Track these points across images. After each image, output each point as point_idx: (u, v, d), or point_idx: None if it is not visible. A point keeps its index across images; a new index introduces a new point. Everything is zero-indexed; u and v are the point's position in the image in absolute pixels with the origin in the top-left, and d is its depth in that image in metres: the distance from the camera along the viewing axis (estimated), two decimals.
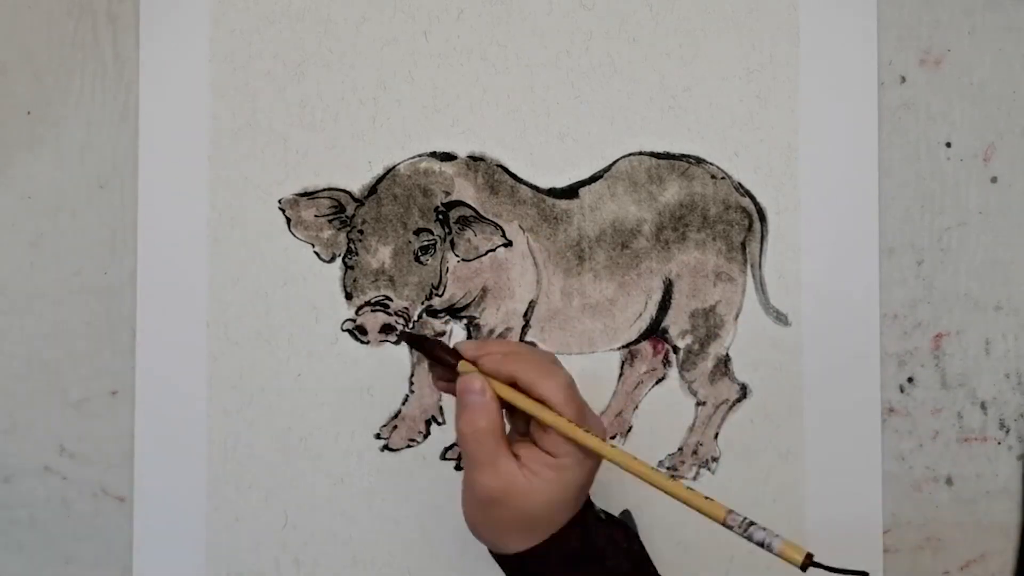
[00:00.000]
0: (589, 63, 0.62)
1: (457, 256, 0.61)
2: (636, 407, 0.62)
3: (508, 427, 0.49)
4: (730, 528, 0.45)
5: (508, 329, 0.61)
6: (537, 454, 0.47)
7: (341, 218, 0.61)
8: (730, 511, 0.45)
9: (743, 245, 0.62)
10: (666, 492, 0.46)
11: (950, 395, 0.63)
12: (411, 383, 0.61)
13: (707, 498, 0.45)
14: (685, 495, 0.45)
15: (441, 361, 0.50)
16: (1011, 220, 0.63)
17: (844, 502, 0.61)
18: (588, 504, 0.50)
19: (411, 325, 0.61)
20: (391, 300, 0.60)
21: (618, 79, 0.62)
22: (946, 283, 0.63)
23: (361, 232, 0.61)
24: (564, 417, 0.47)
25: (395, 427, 0.61)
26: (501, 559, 0.49)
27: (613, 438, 0.62)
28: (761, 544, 0.44)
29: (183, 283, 0.61)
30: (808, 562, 0.43)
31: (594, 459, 0.48)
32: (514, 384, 0.48)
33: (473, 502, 0.49)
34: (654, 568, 0.51)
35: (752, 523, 0.45)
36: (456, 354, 0.49)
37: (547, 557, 0.48)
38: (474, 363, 0.49)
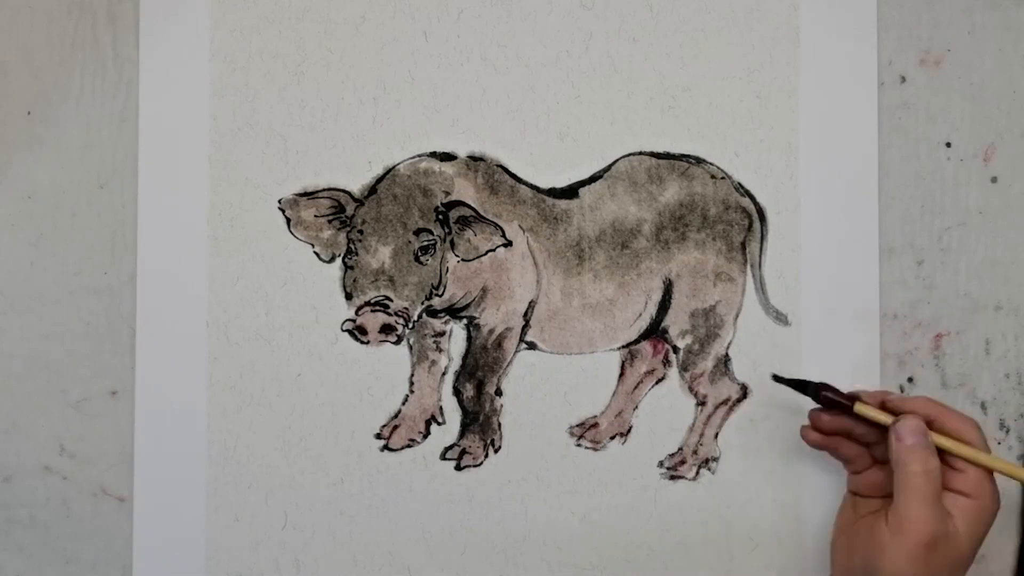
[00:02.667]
0: (589, 63, 0.62)
1: (457, 256, 0.61)
2: (636, 407, 0.62)
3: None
4: None
5: (508, 329, 0.61)
6: (960, 499, 0.50)
7: (341, 218, 0.61)
8: None
9: (743, 245, 0.62)
10: None
11: (950, 395, 0.63)
12: (411, 383, 0.61)
13: None
14: None
15: (825, 400, 0.54)
16: (1011, 220, 0.63)
17: None
18: None
19: (411, 325, 0.61)
20: (391, 300, 0.60)
21: (618, 79, 0.62)
22: (946, 283, 0.63)
23: (361, 232, 0.61)
24: (983, 451, 0.50)
25: (395, 427, 0.61)
26: None
27: (613, 439, 0.62)
28: None
29: (183, 283, 0.61)
30: None
31: (998, 495, 0.50)
32: (929, 424, 0.52)
33: (915, 549, 0.49)
34: None
35: None
36: (851, 397, 0.54)
37: None
38: (881, 406, 0.54)
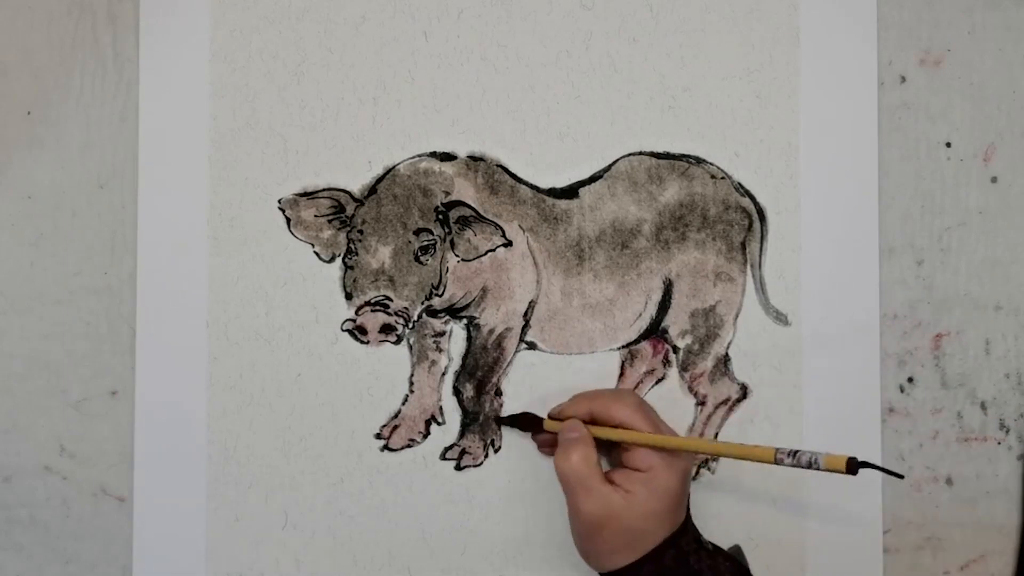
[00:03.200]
0: (589, 63, 0.62)
1: (457, 256, 0.61)
2: None
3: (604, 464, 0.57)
4: (782, 463, 0.51)
5: (508, 329, 0.61)
6: (628, 474, 0.54)
7: (341, 218, 0.61)
8: (777, 449, 0.51)
9: (743, 245, 0.62)
10: (722, 452, 0.53)
11: (950, 395, 0.63)
12: (411, 383, 0.61)
13: (755, 446, 0.52)
14: (734, 448, 0.53)
15: (531, 428, 0.60)
16: (1011, 220, 0.63)
17: (844, 502, 0.61)
18: (685, 531, 0.54)
19: (411, 325, 0.61)
20: (391, 300, 0.60)
21: (618, 79, 0.62)
22: (946, 283, 0.63)
23: (361, 232, 0.61)
24: (643, 431, 0.54)
25: (395, 427, 0.61)
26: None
27: None
28: (810, 464, 0.49)
29: (183, 283, 0.61)
30: (853, 465, 0.48)
31: (679, 463, 0.54)
32: (593, 420, 0.56)
33: (581, 530, 0.55)
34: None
35: (796, 450, 0.50)
36: (539, 419, 0.60)
37: (640, 572, 0.53)
38: (557, 417, 0.58)
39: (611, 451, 0.58)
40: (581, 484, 0.54)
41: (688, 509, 0.56)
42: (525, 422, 0.60)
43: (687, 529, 0.54)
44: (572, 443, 0.55)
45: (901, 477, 0.51)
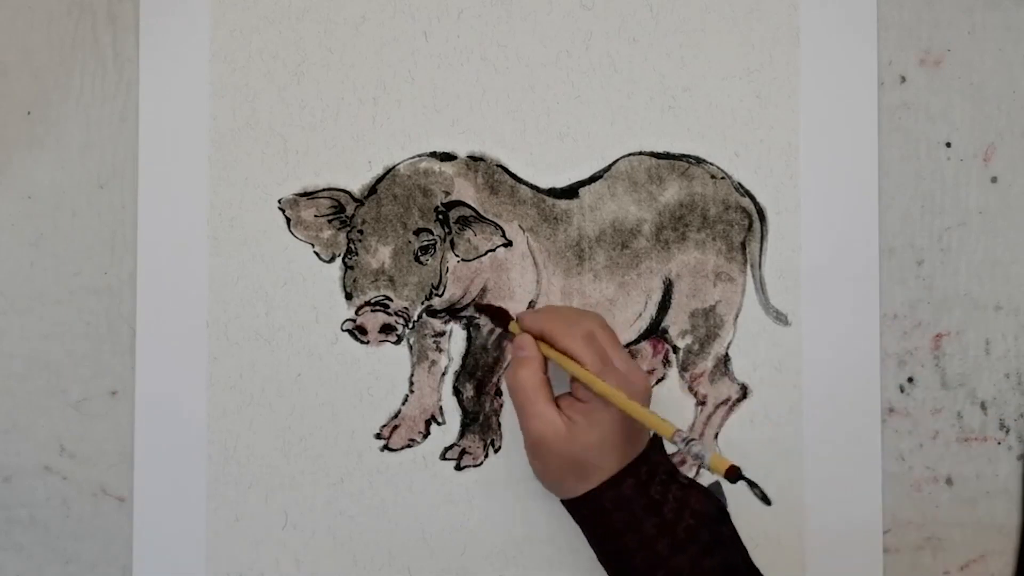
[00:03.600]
0: (589, 63, 0.62)
1: (457, 256, 0.61)
2: None
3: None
4: (675, 443, 0.49)
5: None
6: (572, 402, 0.54)
7: (341, 218, 0.61)
8: (678, 430, 0.50)
9: (743, 245, 0.62)
10: (630, 413, 0.52)
11: (950, 395, 0.63)
12: (411, 383, 0.61)
13: (663, 419, 0.51)
14: (641, 413, 0.51)
15: (499, 321, 0.59)
16: (1011, 220, 0.63)
17: (844, 502, 0.61)
18: (646, 461, 0.54)
19: (411, 325, 0.61)
20: (391, 300, 0.60)
21: (618, 79, 0.62)
22: (946, 283, 0.63)
23: (361, 232, 0.61)
24: (583, 364, 0.53)
25: (395, 427, 0.61)
26: (567, 505, 0.55)
27: None
28: (697, 457, 0.48)
29: (183, 283, 0.61)
30: (734, 474, 0.47)
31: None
32: (544, 339, 0.56)
33: (527, 449, 0.55)
34: (735, 533, 0.54)
35: (692, 439, 0.49)
36: (508, 317, 0.59)
37: (600, 499, 0.53)
38: (518, 322, 0.58)
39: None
40: (526, 402, 0.54)
41: (658, 441, 0.55)
42: (499, 316, 0.59)
43: (649, 460, 0.54)
44: (520, 361, 0.55)
45: (769, 504, 0.48)
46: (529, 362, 0.55)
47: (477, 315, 0.61)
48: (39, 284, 0.61)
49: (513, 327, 0.58)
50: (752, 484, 0.48)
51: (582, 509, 0.54)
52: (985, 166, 0.63)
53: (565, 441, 0.53)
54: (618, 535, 0.53)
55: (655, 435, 0.53)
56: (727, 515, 0.54)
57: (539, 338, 0.56)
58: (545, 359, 0.55)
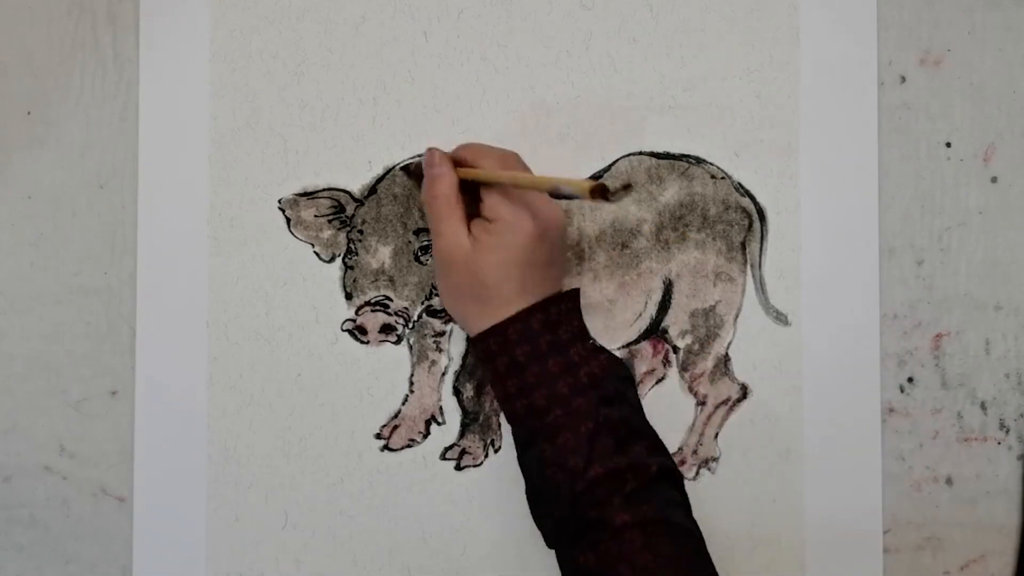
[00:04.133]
0: (589, 63, 0.62)
1: None
2: None
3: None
4: (555, 196, 0.51)
5: None
6: (482, 222, 0.54)
7: (341, 218, 0.61)
8: (560, 183, 0.50)
9: (743, 245, 0.62)
10: (521, 183, 0.53)
11: (950, 395, 0.63)
12: (411, 383, 0.61)
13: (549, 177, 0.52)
14: (530, 179, 0.53)
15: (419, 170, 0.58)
16: (1011, 220, 0.63)
17: (844, 502, 0.61)
18: (558, 303, 0.54)
19: (411, 325, 0.61)
20: (391, 300, 0.60)
21: (618, 79, 0.62)
22: (946, 283, 0.63)
23: (361, 232, 0.61)
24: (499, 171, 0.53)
25: (395, 427, 0.61)
26: (473, 344, 0.55)
27: None
28: (568, 196, 0.50)
29: (183, 283, 0.61)
30: (599, 190, 0.47)
31: (525, 223, 0.53)
32: (465, 163, 0.55)
33: (439, 271, 0.55)
34: (638, 400, 0.55)
35: (563, 181, 0.49)
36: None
37: (505, 331, 0.53)
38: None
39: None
40: (436, 218, 0.54)
41: (577, 301, 0.55)
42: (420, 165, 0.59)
43: (561, 306, 0.54)
44: (433, 177, 0.55)
45: (630, 187, 0.48)
46: (441, 178, 0.55)
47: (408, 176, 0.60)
48: (39, 284, 0.61)
49: (427, 155, 0.57)
50: (623, 188, 0.47)
51: (489, 342, 0.53)
52: (985, 166, 0.63)
53: (468, 259, 0.53)
54: (520, 369, 0.53)
55: (575, 291, 0.52)
56: (633, 383, 0.55)
57: (461, 161, 0.56)
58: (459, 181, 0.55)
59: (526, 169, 0.56)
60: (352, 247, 0.61)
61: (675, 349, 0.62)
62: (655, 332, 0.62)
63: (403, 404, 0.61)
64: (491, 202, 0.54)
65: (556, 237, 0.55)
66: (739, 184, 0.62)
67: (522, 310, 0.53)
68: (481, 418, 0.61)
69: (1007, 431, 0.63)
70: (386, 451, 0.61)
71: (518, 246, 0.53)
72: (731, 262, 0.62)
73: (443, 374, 0.62)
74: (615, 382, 0.54)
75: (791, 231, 0.62)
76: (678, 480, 0.54)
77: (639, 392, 0.62)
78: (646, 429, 0.54)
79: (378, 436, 0.61)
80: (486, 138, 0.61)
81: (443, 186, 0.54)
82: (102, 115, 0.61)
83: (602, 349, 0.55)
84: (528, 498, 0.55)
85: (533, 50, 0.62)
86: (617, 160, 0.62)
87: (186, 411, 0.61)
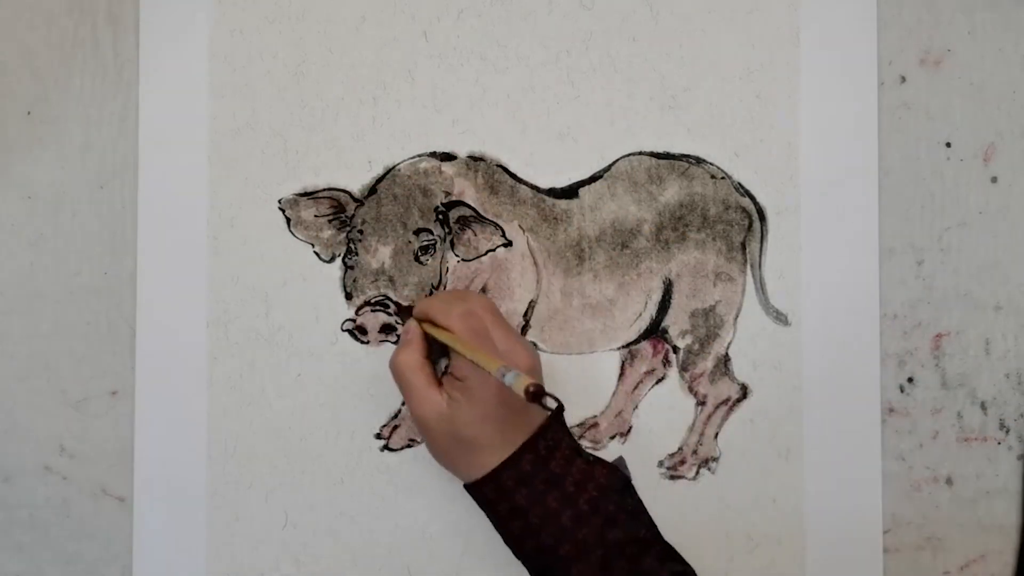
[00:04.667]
0: (589, 63, 0.62)
1: (457, 256, 0.61)
2: (636, 407, 0.62)
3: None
4: (498, 376, 0.49)
5: None
6: (453, 381, 0.55)
7: (341, 218, 0.61)
8: (502, 364, 0.49)
9: (743, 245, 0.62)
10: (462, 351, 0.53)
11: (950, 395, 0.63)
12: None
13: (487, 354, 0.52)
14: (469, 349, 0.53)
15: (406, 315, 0.59)
16: (1011, 220, 0.63)
17: (844, 502, 0.61)
18: (543, 437, 0.54)
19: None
20: (391, 300, 0.60)
21: (618, 79, 0.62)
22: (946, 283, 0.63)
23: (361, 232, 0.61)
24: (459, 339, 0.54)
25: (395, 427, 0.61)
26: (470, 491, 0.55)
27: (613, 439, 0.62)
28: (507, 380, 0.48)
29: (183, 283, 0.61)
30: (535, 391, 0.46)
31: (491, 377, 0.51)
32: (429, 320, 0.57)
33: (419, 430, 0.56)
34: (640, 504, 0.54)
35: (510, 370, 0.48)
36: (409, 310, 0.60)
37: (500, 478, 0.53)
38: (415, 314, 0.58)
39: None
40: (406, 384, 0.55)
41: (559, 418, 0.54)
42: (404, 312, 0.60)
43: (547, 436, 0.54)
44: (401, 345, 0.57)
45: (559, 406, 0.47)
46: (408, 344, 0.56)
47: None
48: (39, 284, 0.61)
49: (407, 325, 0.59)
50: (551, 396, 0.47)
51: (485, 491, 0.54)
52: (985, 166, 0.63)
53: (447, 420, 0.54)
54: (522, 513, 0.53)
55: (557, 411, 0.51)
56: (631, 487, 0.54)
57: (424, 320, 0.57)
58: (430, 344, 0.57)
59: (495, 314, 0.56)
60: (352, 247, 0.61)
61: (675, 349, 0.62)
62: (655, 332, 0.62)
63: (403, 404, 0.61)
64: (458, 362, 0.55)
65: (534, 377, 0.55)
66: (739, 184, 0.62)
67: (511, 455, 0.53)
68: None
69: (1007, 431, 0.63)
70: (386, 451, 0.61)
71: (490, 399, 0.53)
72: (731, 262, 0.62)
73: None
74: (615, 498, 0.53)
75: (791, 231, 0.62)
76: None
77: (639, 392, 0.62)
78: (653, 536, 0.54)
79: (378, 436, 0.61)
80: (486, 137, 0.61)
81: (411, 351, 0.56)
82: (102, 115, 0.61)
83: (597, 461, 0.54)
84: None
85: (533, 50, 0.62)
86: (617, 160, 0.62)
87: (186, 411, 0.61)
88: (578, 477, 0.53)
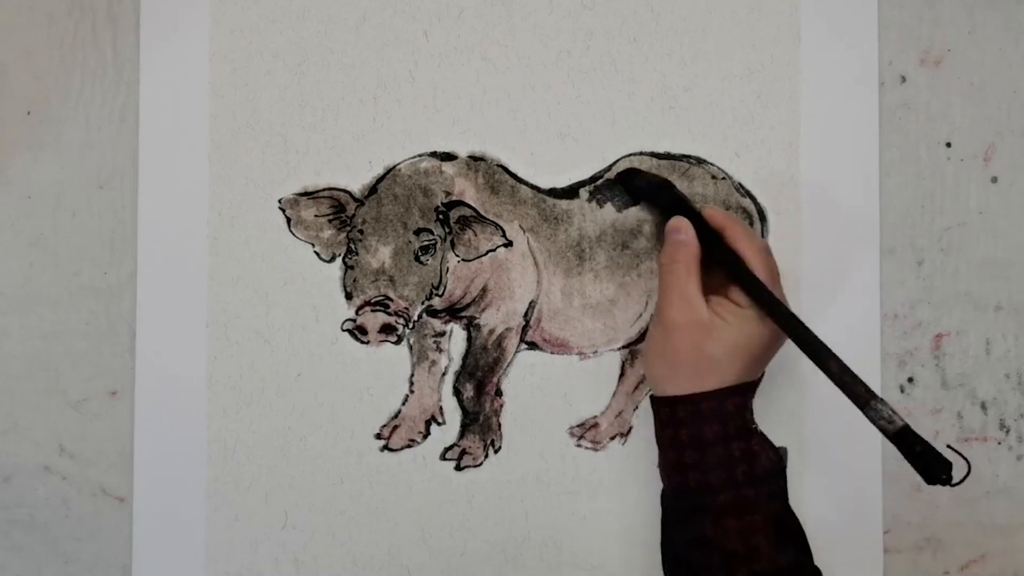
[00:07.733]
0: (589, 63, 0.62)
1: (457, 256, 0.61)
2: (636, 407, 0.62)
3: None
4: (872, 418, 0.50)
5: (508, 329, 0.61)
6: (725, 302, 0.53)
7: (341, 218, 0.61)
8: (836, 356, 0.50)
9: None
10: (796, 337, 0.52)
11: (950, 395, 0.63)
12: (411, 383, 0.61)
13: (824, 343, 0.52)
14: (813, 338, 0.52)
15: (682, 210, 0.56)
16: (1011, 220, 0.63)
17: (844, 502, 0.61)
18: (753, 391, 0.54)
19: (411, 325, 0.61)
20: (391, 300, 0.60)
21: (618, 79, 0.62)
22: (946, 283, 0.63)
23: (361, 232, 0.61)
24: (755, 271, 0.53)
25: (395, 427, 0.61)
26: (656, 402, 0.54)
27: (613, 439, 0.62)
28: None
29: (183, 283, 0.61)
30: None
31: (769, 321, 0.52)
32: (722, 238, 0.55)
33: (658, 331, 0.54)
34: (784, 487, 0.54)
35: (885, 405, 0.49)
36: (677, 196, 0.58)
37: (699, 404, 0.52)
38: (699, 213, 0.56)
39: (711, 276, 0.56)
40: (675, 284, 0.53)
41: (756, 387, 0.55)
42: (660, 191, 0.58)
43: (751, 392, 0.54)
44: (678, 245, 0.55)
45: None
46: (686, 246, 0.54)
47: (610, 191, 0.60)
48: (39, 284, 0.61)
49: (707, 211, 0.56)
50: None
51: (677, 408, 0.52)
52: (985, 166, 0.63)
53: (703, 333, 0.52)
54: (705, 446, 0.52)
55: (759, 380, 0.53)
56: (786, 477, 0.54)
57: (719, 231, 0.55)
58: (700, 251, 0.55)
59: (772, 267, 0.55)
60: (352, 247, 0.61)
61: None
62: None
63: (403, 404, 0.61)
64: (738, 290, 0.54)
65: (775, 351, 0.55)
66: (739, 184, 0.62)
67: (720, 388, 0.52)
68: (481, 418, 0.61)
69: (1007, 431, 0.63)
70: (386, 451, 0.61)
71: (762, 336, 0.53)
72: None
73: (443, 374, 0.62)
74: (780, 480, 0.53)
75: (791, 231, 0.62)
76: None
77: (639, 393, 0.62)
78: (798, 529, 0.54)
79: (378, 436, 0.61)
80: (487, 137, 0.61)
81: (687, 254, 0.54)
82: (102, 115, 0.61)
83: (771, 443, 0.54)
84: (668, 560, 0.54)
85: (533, 50, 0.62)
86: (617, 160, 0.62)
87: (186, 411, 0.61)
88: (760, 440, 0.53)
